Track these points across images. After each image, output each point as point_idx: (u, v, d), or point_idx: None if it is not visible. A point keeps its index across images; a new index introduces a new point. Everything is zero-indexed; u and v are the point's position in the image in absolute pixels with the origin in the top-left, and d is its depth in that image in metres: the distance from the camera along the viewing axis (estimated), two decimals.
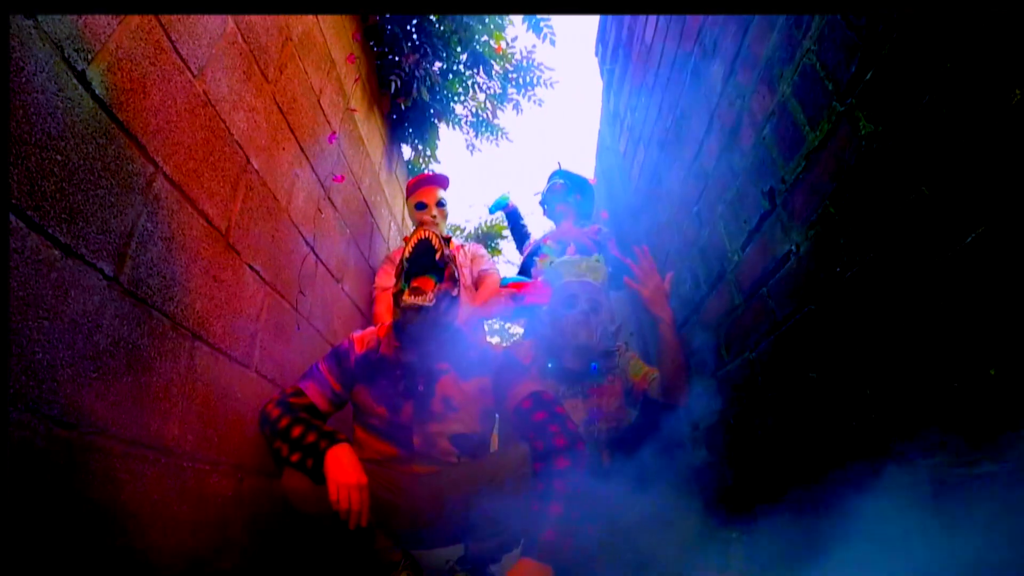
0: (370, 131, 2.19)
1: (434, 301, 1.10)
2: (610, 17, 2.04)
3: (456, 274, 1.20)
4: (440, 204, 2.00)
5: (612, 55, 2.03)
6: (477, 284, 1.91)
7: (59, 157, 0.83)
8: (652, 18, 1.59)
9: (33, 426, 0.75)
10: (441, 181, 2.04)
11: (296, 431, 1.07)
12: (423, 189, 2.01)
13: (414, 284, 1.13)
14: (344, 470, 1.00)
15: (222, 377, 1.12)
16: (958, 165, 0.64)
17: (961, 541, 0.62)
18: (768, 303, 1.03)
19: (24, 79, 0.78)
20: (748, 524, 1.14)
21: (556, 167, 2.25)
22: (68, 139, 0.85)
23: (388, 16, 2.17)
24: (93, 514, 0.80)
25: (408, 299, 1.09)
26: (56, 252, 0.81)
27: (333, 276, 1.72)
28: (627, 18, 1.84)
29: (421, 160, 2.68)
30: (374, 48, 2.23)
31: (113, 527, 0.84)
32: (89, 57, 0.90)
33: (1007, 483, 0.59)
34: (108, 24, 0.94)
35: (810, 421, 0.93)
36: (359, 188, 2.01)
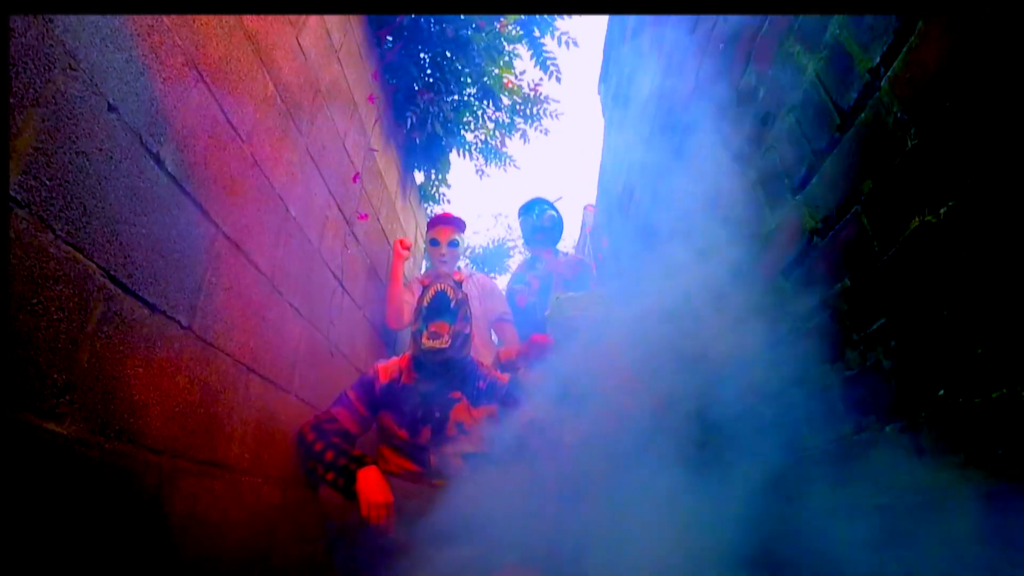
0: (387, 164, 2.37)
1: (449, 342, 1.30)
2: (611, 61, 2.21)
3: (468, 314, 1.39)
4: (452, 244, 2.19)
5: (613, 100, 2.20)
6: (494, 325, 2.14)
7: (144, 231, 1.01)
8: (650, 70, 1.75)
9: (133, 453, 0.94)
10: (458, 224, 2.24)
11: (329, 455, 1.27)
12: (439, 228, 2.21)
13: (432, 328, 1.32)
14: (373, 490, 1.19)
15: (270, 403, 1.31)
16: (869, 269, 0.81)
17: None
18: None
19: (113, 166, 0.95)
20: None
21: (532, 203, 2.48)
22: (150, 214, 1.03)
23: (404, 53, 2.34)
24: (179, 522, 0.99)
25: (427, 343, 1.29)
26: (145, 311, 1.00)
27: (356, 304, 1.91)
28: (627, 67, 2.00)
29: (432, 186, 2.86)
30: (391, 82, 2.40)
31: (192, 532, 1.03)
32: (162, 140, 1.07)
33: None
34: (175, 107, 1.12)
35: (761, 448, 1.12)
36: (377, 219, 2.19)
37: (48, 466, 0.77)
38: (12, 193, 0.78)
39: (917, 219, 0.75)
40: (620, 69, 2.07)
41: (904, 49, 0.77)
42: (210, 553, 1.07)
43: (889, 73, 0.80)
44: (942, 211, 0.71)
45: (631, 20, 1.99)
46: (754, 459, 1.11)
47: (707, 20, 1.36)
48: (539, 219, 2.35)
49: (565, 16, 2.47)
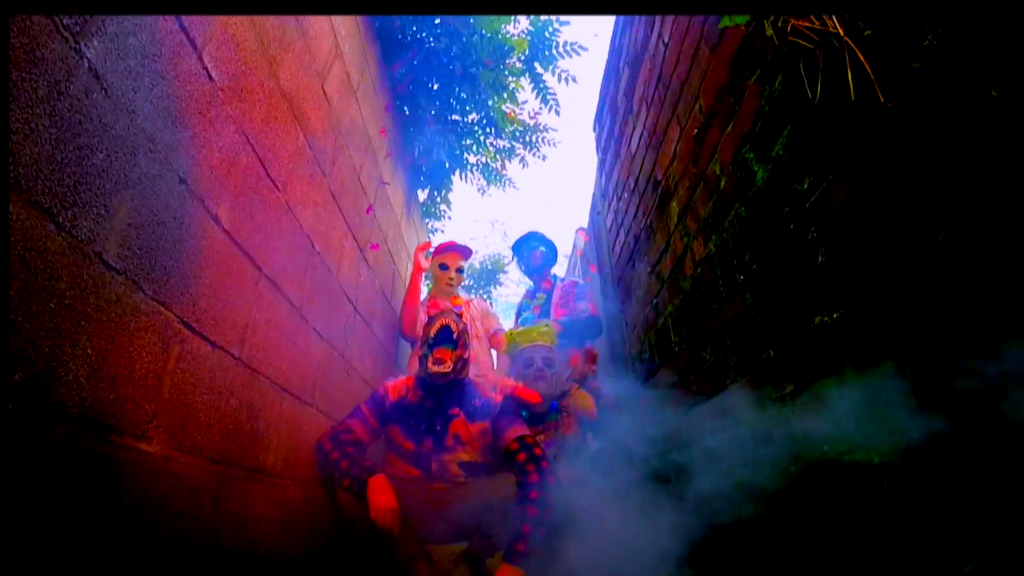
0: (394, 189, 2.56)
1: (451, 367, 1.53)
2: (606, 106, 2.41)
3: (468, 341, 1.62)
4: (459, 271, 2.42)
5: (605, 144, 2.41)
6: (491, 339, 2.40)
7: (207, 281, 1.22)
8: (638, 131, 1.97)
9: (200, 465, 1.16)
10: (466, 253, 2.47)
11: (344, 463, 1.50)
12: (449, 254, 2.43)
13: (436, 355, 1.55)
14: (381, 497, 1.42)
15: (297, 416, 1.53)
16: (788, 343, 1.05)
17: None
18: (692, 388, 1.46)
19: (184, 230, 1.14)
20: None
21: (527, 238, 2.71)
22: (212, 267, 1.23)
23: (414, 85, 2.52)
24: (231, 520, 1.22)
25: (432, 368, 1.52)
26: (209, 347, 1.21)
27: (366, 321, 2.12)
28: (619, 117, 2.21)
29: (435, 205, 3.06)
30: (401, 112, 2.58)
31: (240, 527, 1.25)
32: (219, 201, 1.26)
33: None
34: (227, 171, 1.31)
35: None
36: (385, 241, 2.39)
37: (141, 476, 0.99)
38: (113, 264, 0.98)
39: (819, 317, 0.98)
40: (613, 114, 2.28)
41: (823, 184, 1.00)
42: (252, 545, 1.30)
43: (812, 198, 1.03)
44: (835, 315, 0.95)
45: (625, 70, 2.19)
46: None
47: (689, 99, 1.57)
48: (530, 259, 2.60)
49: (564, 17, 2.61)
